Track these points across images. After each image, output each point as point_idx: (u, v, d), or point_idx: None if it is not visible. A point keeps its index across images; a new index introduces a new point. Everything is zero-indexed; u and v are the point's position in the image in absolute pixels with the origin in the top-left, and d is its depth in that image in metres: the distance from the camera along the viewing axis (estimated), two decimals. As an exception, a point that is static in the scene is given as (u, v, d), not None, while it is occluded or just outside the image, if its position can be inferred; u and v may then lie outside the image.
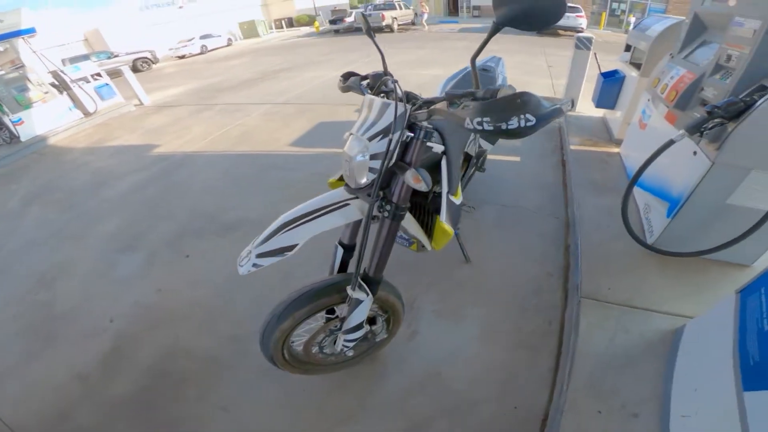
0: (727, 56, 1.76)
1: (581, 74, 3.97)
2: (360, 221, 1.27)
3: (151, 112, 6.93)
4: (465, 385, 1.66)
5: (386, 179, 1.20)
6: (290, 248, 1.16)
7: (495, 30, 1.02)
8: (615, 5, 21.88)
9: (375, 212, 1.22)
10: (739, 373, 1.06)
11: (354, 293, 1.23)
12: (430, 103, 1.14)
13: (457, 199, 1.43)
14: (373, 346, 1.69)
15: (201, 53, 19.19)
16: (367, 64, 8.86)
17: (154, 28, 23.16)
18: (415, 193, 1.43)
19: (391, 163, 1.11)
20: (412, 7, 20.63)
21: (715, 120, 1.60)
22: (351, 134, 1.16)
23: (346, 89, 1.38)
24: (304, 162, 3.79)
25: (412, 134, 1.14)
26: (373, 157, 1.10)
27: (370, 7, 18.83)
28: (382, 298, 1.39)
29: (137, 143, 5.14)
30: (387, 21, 16.48)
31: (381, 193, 1.22)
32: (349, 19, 18.25)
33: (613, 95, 3.39)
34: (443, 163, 1.36)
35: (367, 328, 1.41)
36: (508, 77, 6.19)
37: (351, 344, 1.43)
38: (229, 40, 21.96)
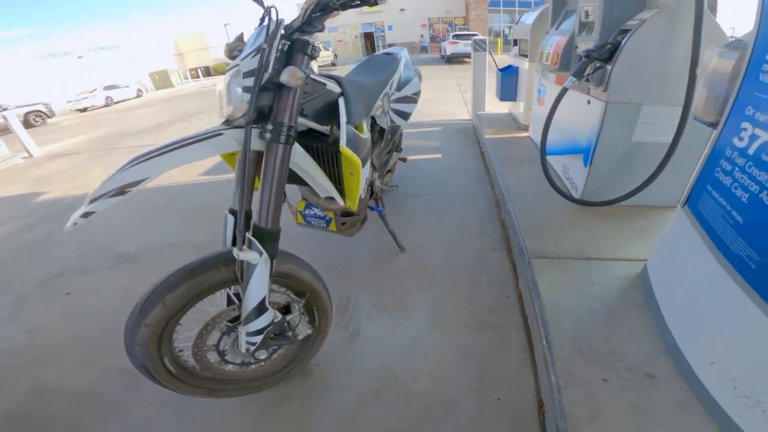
0: (585, 13, 1.93)
1: (482, 73, 4.25)
2: (243, 155, 0.97)
3: (41, 162, 6.14)
4: (430, 383, 1.37)
5: (268, 104, 1.01)
6: (136, 183, 0.86)
7: None
8: (507, 31, 24.90)
9: (257, 142, 1.00)
10: (731, 267, 0.98)
11: (242, 254, 0.94)
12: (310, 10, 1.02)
13: (361, 134, 1.33)
14: (302, 354, 1.35)
15: (106, 105, 17.62)
16: None
17: (50, 80, 21.44)
18: (316, 137, 1.29)
19: (267, 76, 0.94)
20: (330, 49, 21.50)
21: (595, 64, 1.71)
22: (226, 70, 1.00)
23: (231, 48, 1.16)
24: (218, 188, 3.51)
25: (290, 44, 1.00)
26: (246, 76, 0.94)
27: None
28: (287, 272, 1.10)
29: (19, 193, 4.44)
30: (307, 63, 16.90)
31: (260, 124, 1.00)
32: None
33: (512, 86, 3.63)
34: (341, 101, 1.26)
35: (275, 314, 1.08)
36: (426, 96, 6.59)
37: (257, 339, 1.07)
38: (139, 91, 20.73)
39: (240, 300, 1.03)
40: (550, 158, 2.56)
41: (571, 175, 2.27)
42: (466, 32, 18.36)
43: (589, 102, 1.96)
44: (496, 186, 2.68)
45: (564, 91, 1.84)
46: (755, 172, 0.94)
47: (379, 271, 1.99)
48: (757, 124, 0.95)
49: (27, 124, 13.47)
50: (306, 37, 1.02)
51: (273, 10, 0.99)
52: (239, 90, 0.95)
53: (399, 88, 2.16)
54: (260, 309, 1.02)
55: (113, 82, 19.16)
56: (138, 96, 20.37)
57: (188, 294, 0.94)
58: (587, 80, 1.83)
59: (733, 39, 1.19)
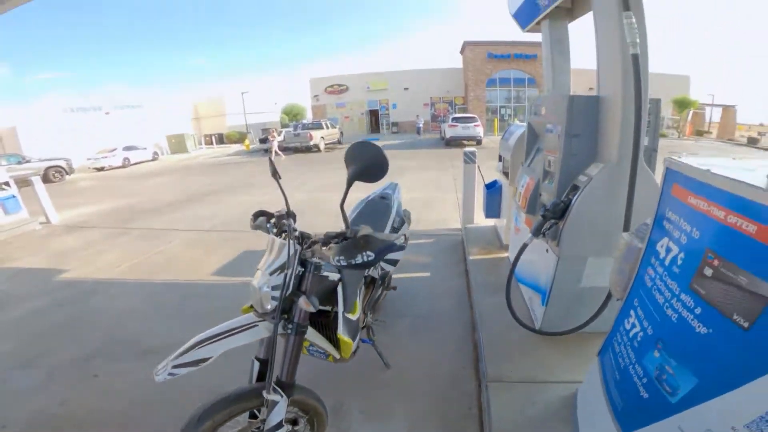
0: (548, 162, 2.37)
1: (472, 186, 4.71)
2: (271, 338, 1.46)
3: (59, 232, 6.57)
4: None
5: (288, 304, 1.46)
6: (204, 360, 1.36)
7: (350, 183, 1.61)
8: (503, 111, 26.63)
9: (280, 331, 1.43)
10: (616, 422, 1.34)
11: (269, 395, 1.36)
12: (314, 243, 1.52)
13: (354, 316, 1.77)
14: None
15: (122, 166, 18.62)
16: (294, 189, 9.34)
17: (75, 134, 22.39)
18: (321, 313, 1.69)
19: (288, 293, 1.39)
20: (338, 126, 22.97)
21: (550, 221, 2.11)
22: (258, 269, 1.44)
23: (255, 228, 1.68)
24: (227, 291, 3.81)
25: (304, 269, 1.48)
26: (274, 288, 1.38)
27: (299, 126, 20.52)
28: (298, 400, 1.52)
29: (39, 266, 4.80)
30: (315, 140, 17.91)
31: (286, 315, 1.46)
32: (279, 138, 19.55)
33: (496, 204, 4.06)
34: (339, 288, 1.69)
35: (288, 427, 1.50)
36: (422, 196, 7.14)
37: None
38: (155, 154, 21.91)
39: (256, 417, 1.50)
40: (521, 286, 2.96)
41: (533, 307, 2.67)
42: (464, 115, 19.65)
43: (547, 251, 2.36)
44: (474, 310, 3.00)
45: (524, 246, 2.24)
46: (630, 354, 1.31)
47: (368, 383, 2.37)
48: (638, 316, 1.33)
49: (46, 178, 14.07)
50: (314, 259, 1.51)
51: (292, 243, 1.42)
52: (270, 298, 1.38)
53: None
54: (277, 426, 1.42)
55: (132, 143, 20.23)
56: (154, 159, 21.46)
57: (230, 414, 1.36)
58: (544, 235, 2.22)
59: (643, 224, 1.58)
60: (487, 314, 2.78)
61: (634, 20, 1.68)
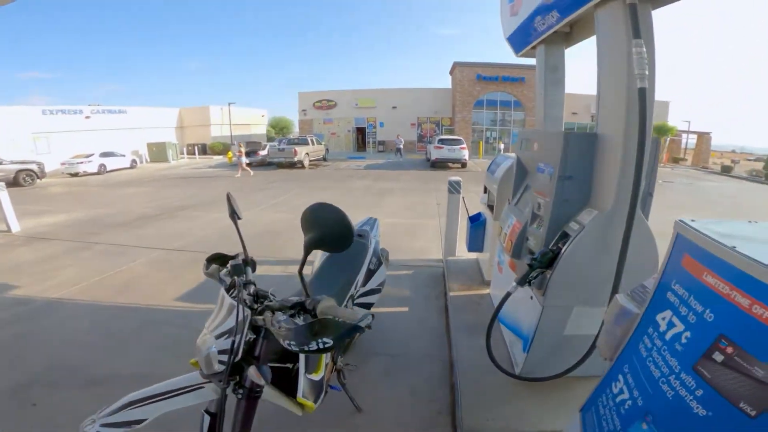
0: (537, 205, 2.21)
1: (455, 217, 4.57)
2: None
3: (18, 243, 6.15)
4: None
5: (239, 366, 1.25)
6: (138, 422, 1.20)
7: (307, 251, 1.42)
8: (488, 133, 26.97)
9: (230, 392, 1.25)
10: None
11: None
12: (269, 308, 1.26)
13: (317, 375, 1.60)
14: None
15: (98, 173, 17.96)
16: (273, 207, 9.07)
17: (52, 137, 21.62)
18: (286, 356, 1.47)
19: (237, 359, 1.19)
20: (323, 143, 22.81)
21: (537, 270, 1.96)
22: (205, 327, 1.26)
23: (208, 275, 1.48)
24: (190, 320, 3.52)
25: (256, 335, 1.27)
26: (221, 352, 1.17)
27: (284, 141, 20.30)
28: None
29: None
30: (299, 156, 17.65)
31: (237, 377, 1.27)
32: (262, 153, 19.28)
33: (480, 238, 3.92)
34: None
35: None
36: (404, 222, 6.98)
37: None
38: (134, 161, 21.28)
39: None
40: (502, 327, 2.81)
41: (514, 351, 2.52)
42: (450, 137, 19.79)
43: (531, 297, 2.22)
44: (453, 351, 2.82)
45: (508, 295, 2.08)
46: (615, 420, 1.21)
47: (337, 427, 2.22)
48: (627, 383, 1.22)
49: (15, 182, 13.64)
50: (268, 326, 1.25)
51: (242, 308, 1.21)
52: (217, 360, 1.17)
53: (365, 281, 2.35)
54: None
55: (111, 149, 19.69)
56: (132, 167, 20.86)
57: None
58: (530, 284, 2.07)
59: (640, 286, 1.44)
60: (466, 357, 2.64)
61: (644, 50, 1.55)
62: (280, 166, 18.17)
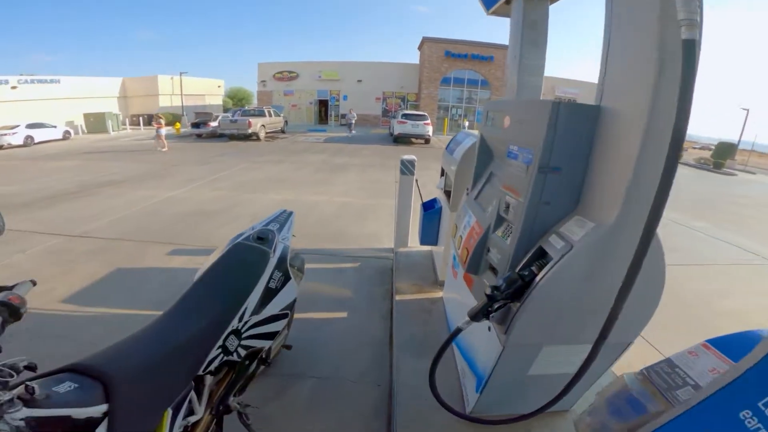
0: (506, 205, 1.58)
1: (408, 203, 3.94)
2: None
3: None
4: None
5: None
6: None
7: None
8: (454, 110, 26.70)
9: None
10: None
11: None
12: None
13: None
14: None
15: (24, 145, 15.96)
16: (212, 183, 8.03)
17: None
18: None
19: None
20: (282, 115, 21.44)
21: (498, 302, 1.38)
22: None
23: None
24: (78, 326, 2.82)
25: None
26: None
27: (238, 112, 18.86)
28: None
29: None
30: (254, 128, 16.42)
31: None
32: (213, 124, 17.75)
33: (434, 230, 3.32)
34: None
35: None
36: (357, 202, 6.32)
37: None
38: (67, 133, 19.13)
39: None
40: (453, 347, 2.27)
41: (466, 384, 2.01)
42: (414, 112, 19.27)
43: (489, 329, 1.64)
44: (394, 376, 2.28)
45: (458, 330, 1.49)
46: None
47: None
48: None
49: None
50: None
51: None
52: None
53: (261, 305, 1.66)
54: None
55: (40, 120, 17.80)
56: (65, 138, 18.80)
57: None
58: (487, 317, 1.49)
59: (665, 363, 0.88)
60: (409, 384, 2.10)
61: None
62: (232, 138, 16.79)
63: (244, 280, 1.62)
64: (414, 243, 3.88)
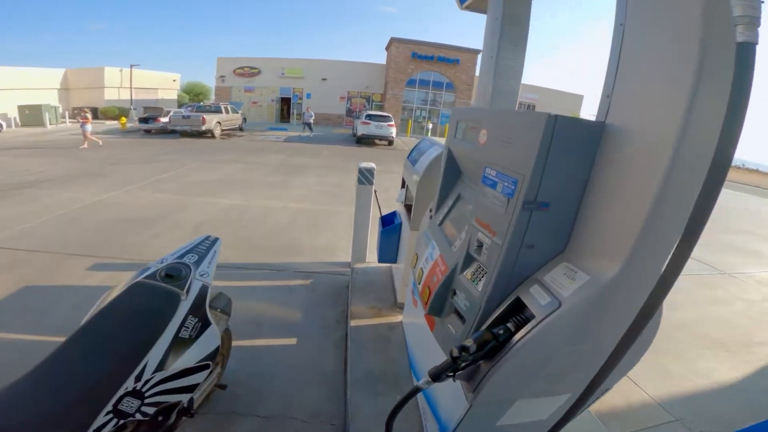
0: (477, 243, 1.28)
1: (366, 215, 3.59)
2: None
3: None
4: None
5: None
6: None
7: None
8: (418, 112, 26.72)
9: None
10: None
11: None
12: None
13: None
14: None
15: (-56, 139, 14.22)
16: (155, 184, 7.24)
17: None
18: None
19: None
20: (240, 112, 20.41)
21: (466, 360, 1.07)
22: None
23: None
24: None
25: None
26: None
27: (191, 108, 17.73)
28: None
29: None
30: (208, 125, 15.40)
31: None
32: (164, 119, 16.52)
33: (393, 247, 3.00)
34: None
35: None
36: (313, 209, 5.89)
37: None
38: (-2, 125, 17.23)
39: None
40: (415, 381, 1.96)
41: (428, 426, 1.75)
42: (378, 113, 18.97)
43: (454, 380, 1.33)
44: (349, 418, 1.95)
45: (416, 390, 1.19)
46: None
47: None
48: None
49: None
50: None
51: None
52: None
53: (174, 356, 1.27)
54: None
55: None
56: (-7, 131, 16.83)
57: None
58: (452, 376, 1.17)
59: None
60: (364, 429, 1.81)
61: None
62: (184, 134, 15.68)
63: (143, 330, 1.25)
64: (373, 258, 3.53)
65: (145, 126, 16.83)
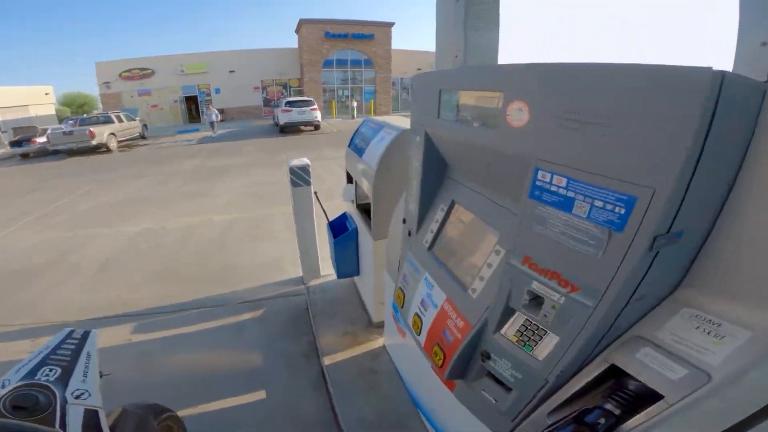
0: (530, 296, 0.81)
1: (310, 223, 2.97)
2: None
3: None
4: None
5: None
6: None
7: None
8: (340, 92, 25.87)
9: None
10: None
11: None
12: None
13: None
14: None
15: None
16: (40, 221, 5.90)
17: None
18: None
19: None
20: (138, 119, 17.95)
21: None
22: None
23: None
24: None
25: None
26: None
27: (72, 121, 15.21)
28: None
29: None
30: (100, 138, 13.18)
31: None
32: (41, 139, 13.87)
33: (352, 258, 2.48)
34: None
35: None
36: (244, 217, 5.07)
37: None
38: None
39: None
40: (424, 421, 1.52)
41: None
42: (299, 98, 17.87)
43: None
44: None
45: None
46: None
47: None
48: None
49: None
50: None
51: None
52: None
53: None
54: None
55: None
56: None
57: None
58: None
59: None
60: None
61: None
62: (71, 153, 13.34)
63: None
64: (328, 268, 2.96)
65: (19, 150, 14.00)
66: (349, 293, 2.74)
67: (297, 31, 26.25)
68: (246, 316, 2.85)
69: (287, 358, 2.39)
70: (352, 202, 2.46)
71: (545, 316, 0.77)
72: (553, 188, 0.73)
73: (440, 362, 1.05)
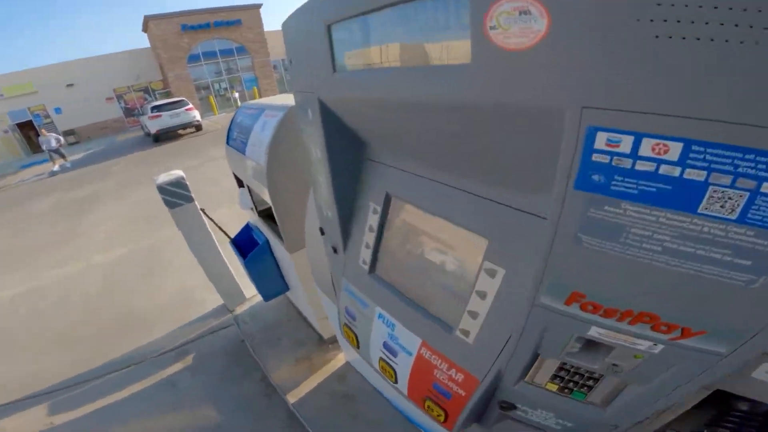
0: (584, 343, 0.58)
1: (212, 247, 2.43)
2: None
3: None
4: None
5: None
6: None
7: None
8: (216, 86, 23.58)
9: None
10: None
11: None
12: None
13: None
14: None
15: None
16: None
17: None
18: None
19: None
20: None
21: None
22: None
23: None
24: None
25: None
26: None
27: None
28: None
29: None
30: None
31: None
32: None
33: (274, 274, 2.08)
34: None
35: None
36: (134, 249, 4.32)
37: None
38: None
39: None
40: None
41: None
42: (167, 101, 15.66)
43: None
44: None
45: None
46: None
47: None
48: None
49: None
50: None
51: None
52: None
53: None
54: None
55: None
56: None
57: None
58: None
59: None
60: None
61: None
62: None
63: None
64: (250, 288, 2.47)
65: None
66: (287, 311, 2.33)
67: (144, 30, 23.06)
68: (175, 367, 2.27)
69: (245, 402, 1.95)
70: (252, 209, 2.00)
71: (615, 365, 0.53)
72: (644, 166, 0.40)
73: (441, 419, 0.77)
